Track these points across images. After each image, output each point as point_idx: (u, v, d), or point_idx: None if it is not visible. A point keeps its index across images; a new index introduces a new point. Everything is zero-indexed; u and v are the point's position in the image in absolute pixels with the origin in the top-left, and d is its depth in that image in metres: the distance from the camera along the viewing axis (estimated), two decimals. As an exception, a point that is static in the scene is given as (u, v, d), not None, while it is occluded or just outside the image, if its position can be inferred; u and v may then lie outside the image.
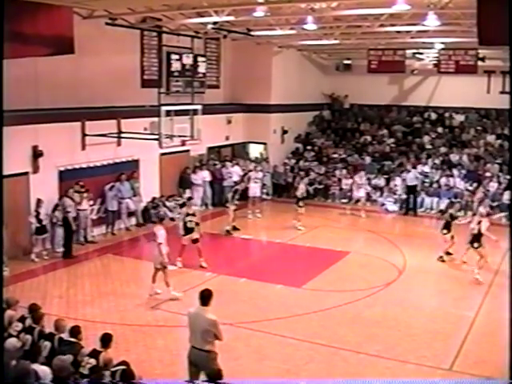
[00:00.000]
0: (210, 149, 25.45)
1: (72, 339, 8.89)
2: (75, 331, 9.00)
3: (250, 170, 25.58)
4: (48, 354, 8.66)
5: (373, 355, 11.37)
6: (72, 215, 17.79)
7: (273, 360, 11.23)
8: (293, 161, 28.38)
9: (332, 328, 12.71)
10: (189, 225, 16.44)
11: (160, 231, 14.26)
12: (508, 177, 23.71)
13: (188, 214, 16.63)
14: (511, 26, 7.80)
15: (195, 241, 16.34)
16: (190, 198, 19.12)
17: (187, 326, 9.13)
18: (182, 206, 20.10)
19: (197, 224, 16.65)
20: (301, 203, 21.38)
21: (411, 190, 24.06)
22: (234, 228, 20.48)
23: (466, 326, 12.62)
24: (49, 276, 15.87)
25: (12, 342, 8.95)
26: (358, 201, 24.22)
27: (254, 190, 23.45)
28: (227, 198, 21.00)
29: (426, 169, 25.33)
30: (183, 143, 18.98)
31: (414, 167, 24.92)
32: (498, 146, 26.47)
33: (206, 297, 8.99)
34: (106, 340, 8.69)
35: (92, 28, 17.74)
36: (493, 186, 23.73)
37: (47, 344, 8.83)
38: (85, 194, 18.40)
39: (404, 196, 24.31)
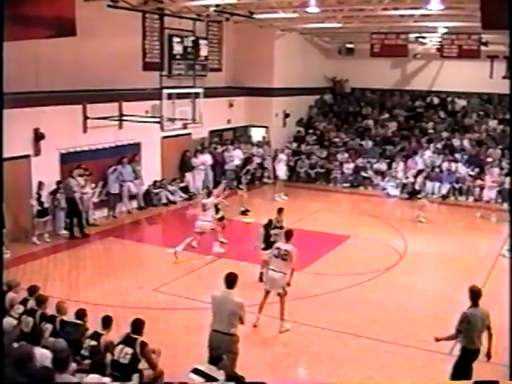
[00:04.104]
0: (212, 132, 25.42)
1: (77, 321, 8.94)
2: (81, 314, 9.06)
3: (253, 154, 25.67)
4: (50, 336, 8.72)
5: (373, 339, 11.41)
6: (78, 195, 17.91)
7: (274, 343, 11.29)
8: (294, 144, 28.35)
9: (332, 311, 12.75)
10: (219, 206, 16.93)
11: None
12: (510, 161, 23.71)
13: (218, 196, 17.14)
14: (511, 12, 7.78)
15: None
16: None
17: (211, 310, 9.10)
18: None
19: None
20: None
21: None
22: (246, 211, 20.55)
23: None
24: (50, 258, 15.90)
25: (8, 322, 9.02)
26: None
27: (282, 172, 23.78)
28: (240, 180, 21.14)
29: (428, 153, 25.29)
30: (185, 126, 18.96)
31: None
32: (500, 131, 26.40)
33: (231, 280, 9.03)
34: (107, 322, 8.76)
35: (94, 10, 17.64)
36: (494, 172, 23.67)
37: (49, 326, 8.88)
38: (87, 177, 18.39)
39: (411, 180, 24.00)
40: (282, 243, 11.94)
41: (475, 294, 8.70)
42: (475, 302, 8.66)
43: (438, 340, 9.10)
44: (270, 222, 14.05)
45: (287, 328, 11.77)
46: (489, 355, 8.80)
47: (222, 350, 8.54)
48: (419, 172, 22.27)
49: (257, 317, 11.82)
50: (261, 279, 13.56)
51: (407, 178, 24.21)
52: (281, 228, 13.61)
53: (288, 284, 11.84)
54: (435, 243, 17.99)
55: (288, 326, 11.82)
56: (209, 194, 16.85)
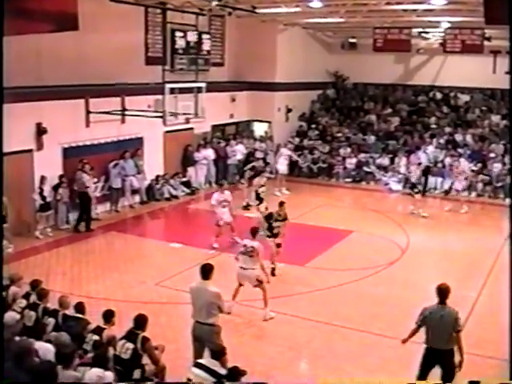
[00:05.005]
0: (215, 127, 25.41)
1: (78, 315, 8.98)
2: (81, 307, 9.10)
3: (255, 149, 25.69)
4: (52, 330, 8.75)
5: (375, 334, 11.43)
6: (90, 190, 18.13)
7: (275, 337, 11.33)
8: (297, 139, 28.34)
9: (334, 306, 12.78)
10: (262, 195, 17.84)
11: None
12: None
13: (261, 186, 18.19)
14: (511, 7, 7.78)
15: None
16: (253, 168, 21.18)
17: (190, 302, 9.21)
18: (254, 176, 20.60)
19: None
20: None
21: (424, 171, 24.00)
22: (248, 205, 20.60)
23: (468, 306, 12.64)
24: (53, 253, 15.94)
25: (11, 315, 9.05)
26: None
27: (284, 166, 23.82)
28: (243, 174, 21.33)
29: (431, 148, 25.25)
30: (187, 121, 18.96)
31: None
32: (502, 126, 26.35)
33: (207, 270, 9.15)
34: (109, 316, 8.80)
35: (96, 4, 17.61)
36: (497, 167, 23.68)
37: (51, 320, 8.91)
38: (90, 172, 18.41)
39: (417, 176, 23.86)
40: (248, 240, 12.28)
41: (442, 292, 8.39)
42: (441, 300, 8.38)
43: (404, 342, 9.00)
44: (271, 214, 14.81)
45: (271, 316, 12.02)
46: (459, 365, 8.35)
47: (204, 340, 8.85)
48: (419, 165, 22.37)
49: (230, 304, 11.89)
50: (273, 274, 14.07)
51: (410, 172, 24.13)
52: (283, 220, 14.65)
53: (267, 282, 12.29)
54: (437, 238, 18.01)
55: (272, 314, 12.04)
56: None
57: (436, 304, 8.44)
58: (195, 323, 9.12)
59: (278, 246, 14.67)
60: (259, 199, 17.92)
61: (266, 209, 16.76)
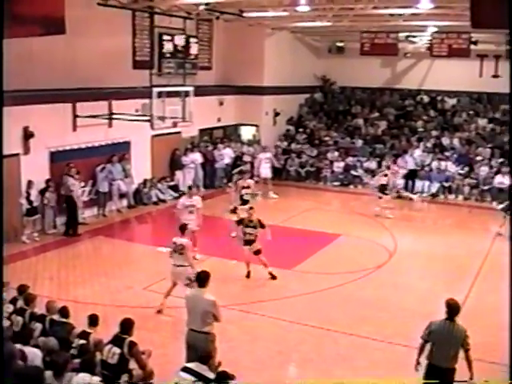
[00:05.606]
0: (202, 131, 25.39)
1: (63, 319, 8.94)
2: (65, 312, 9.06)
3: (243, 153, 25.70)
4: (40, 335, 8.70)
5: (363, 337, 11.44)
6: (76, 194, 18.01)
7: (265, 341, 11.30)
8: (285, 143, 28.36)
9: (323, 310, 12.77)
10: (245, 197, 17.61)
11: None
12: (499, 160, 23.84)
13: (244, 187, 17.86)
14: (511, 12, 7.76)
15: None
16: (236, 173, 20.67)
17: (186, 309, 9.18)
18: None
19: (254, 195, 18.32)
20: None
21: (411, 174, 24.12)
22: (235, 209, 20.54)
23: (456, 308, 12.67)
24: (40, 257, 15.86)
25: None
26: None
27: (266, 170, 23.65)
28: (231, 178, 21.29)
29: (418, 152, 25.35)
30: (175, 125, 18.93)
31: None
32: (489, 129, 26.52)
33: (203, 278, 9.05)
34: (94, 320, 8.77)
35: (83, 8, 17.59)
36: (483, 171, 23.80)
37: (38, 326, 8.85)
38: (76, 176, 18.34)
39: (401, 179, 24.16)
40: (177, 237, 12.46)
41: (451, 308, 8.08)
42: (450, 317, 8.03)
43: (417, 364, 8.34)
44: (241, 220, 14.72)
45: None
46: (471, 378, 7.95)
47: (198, 348, 8.63)
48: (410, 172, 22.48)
49: (161, 302, 12.32)
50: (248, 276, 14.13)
51: (391, 174, 24.26)
52: (254, 227, 14.32)
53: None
54: (425, 241, 18.05)
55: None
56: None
57: (444, 319, 8.11)
58: (189, 331, 9.03)
59: (257, 253, 14.38)
60: (244, 202, 17.61)
61: (251, 211, 16.28)
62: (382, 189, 20.87)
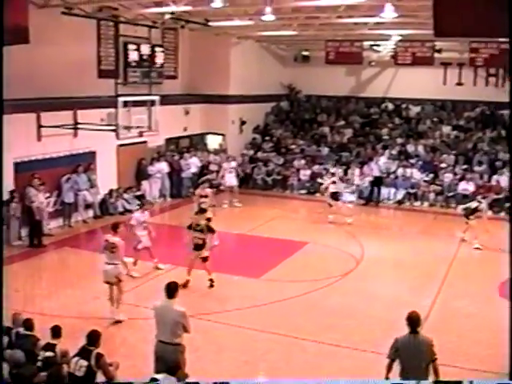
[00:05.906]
0: (168, 140, 25.30)
1: (27, 332, 8.83)
2: (29, 324, 8.96)
3: (209, 162, 25.68)
4: (6, 348, 8.58)
5: (331, 344, 11.45)
6: (36, 205, 17.70)
7: (231, 351, 11.24)
8: (251, 151, 28.40)
9: (290, 318, 12.77)
10: (203, 205, 17.43)
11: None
12: (463, 167, 24.20)
13: (202, 196, 18.09)
14: (511, 21, 7.83)
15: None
16: (203, 182, 20.45)
17: (154, 320, 9.07)
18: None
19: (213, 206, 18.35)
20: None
21: (377, 181, 24.32)
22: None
23: (423, 314, 12.55)
24: (5, 269, 15.51)
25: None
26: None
27: (230, 179, 23.61)
28: (197, 187, 21.17)
29: (383, 159, 25.56)
30: (141, 134, 18.86)
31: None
32: (453, 137, 26.85)
33: (172, 289, 8.95)
34: (57, 331, 8.70)
35: (48, 17, 17.46)
36: (448, 177, 24.08)
37: (4, 338, 8.73)
38: (41, 187, 18.14)
39: (366, 186, 24.44)
40: (110, 236, 12.64)
41: (412, 321, 7.91)
42: (413, 329, 7.85)
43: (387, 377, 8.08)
44: (190, 225, 14.66)
45: (120, 319, 12.25)
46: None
47: (168, 360, 8.52)
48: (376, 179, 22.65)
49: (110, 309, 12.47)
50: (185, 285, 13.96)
51: (363, 184, 24.48)
52: (201, 231, 14.31)
53: (128, 274, 13.06)
54: (392, 248, 18.18)
55: (122, 316, 12.30)
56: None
57: (407, 334, 7.90)
58: (158, 342, 8.89)
59: (204, 260, 14.27)
60: (202, 211, 16.77)
61: (209, 220, 16.17)
62: (334, 197, 20.99)
